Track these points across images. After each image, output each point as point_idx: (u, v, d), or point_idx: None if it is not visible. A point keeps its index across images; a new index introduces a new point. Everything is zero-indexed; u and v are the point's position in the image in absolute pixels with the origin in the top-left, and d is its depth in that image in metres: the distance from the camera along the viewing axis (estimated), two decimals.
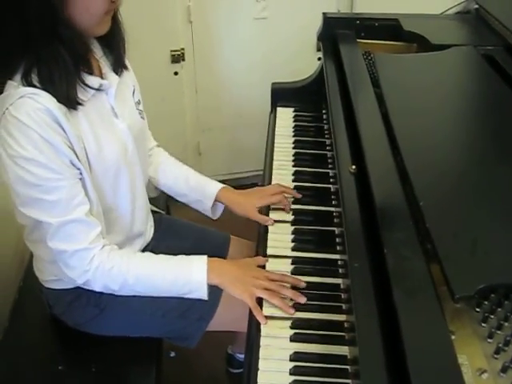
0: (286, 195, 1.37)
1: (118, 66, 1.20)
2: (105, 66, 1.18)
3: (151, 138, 1.48)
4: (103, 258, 1.12)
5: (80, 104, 1.07)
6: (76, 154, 1.06)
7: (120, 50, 1.19)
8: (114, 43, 1.18)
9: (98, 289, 1.16)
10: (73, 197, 1.06)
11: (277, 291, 1.11)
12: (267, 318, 1.07)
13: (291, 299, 1.10)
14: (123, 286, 1.15)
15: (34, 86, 1.01)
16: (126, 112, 1.21)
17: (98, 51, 1.18)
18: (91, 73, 1.11)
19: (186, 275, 1.16)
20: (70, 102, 1.05)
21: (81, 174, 1.08)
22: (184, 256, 1.19)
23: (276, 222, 1.32)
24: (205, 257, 1.18)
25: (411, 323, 0.74)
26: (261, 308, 1.10)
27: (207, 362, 1.95)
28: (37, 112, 0.99)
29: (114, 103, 1.17)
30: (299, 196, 1.39)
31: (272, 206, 1.37)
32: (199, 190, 1.41)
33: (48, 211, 1.06)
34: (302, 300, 1.09)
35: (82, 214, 1.08)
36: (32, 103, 0.99)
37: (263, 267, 1.20)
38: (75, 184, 1.07)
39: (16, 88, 1.01)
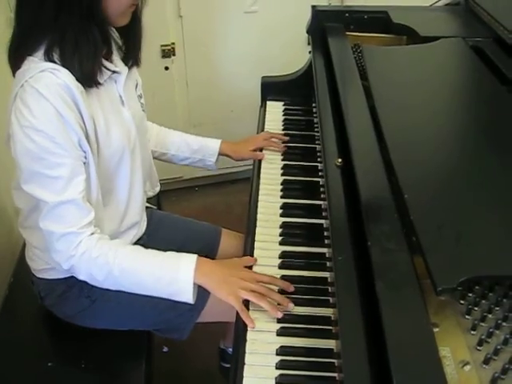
0: (276, 140, 1.60)
1: (130, 60, 1.24)
2: (116, 56, 1.21)
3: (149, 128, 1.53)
4: (90, 245, 1.10)
5: (99, 84, 1.11)
6: (87, 134, 1.08)
7: (136, 44, 1.23)
8: (131, 37, 1.22)
9: (82, 277, 1.14)
10: (73, 176, 1.07)
11: (264, 294, 1.08)
12: (256, 307, 1.06)
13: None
14: (107, 277, 1.12)
15: (55, 63, 1.03)
16: (131, 102, 1.25)
17: (112, 41, 1.20)
18: (107, 58, 1.15)
19: (173, 273, 1.11)
20: (91, 79, 1.09)
21: (85, 158, 1.10)
22: (173, 253, 1.16)
23: (265, 215, 1.33)
24: (194, 256, 1.14)
25: (393, 316, 0.74)
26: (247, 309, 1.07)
27: (200, 356, 1.95)
28: (56, 86, 1.02)
29: (122, 92, 1.20)
30: (287, 139, 1.61)
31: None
32: (202, 150, 1.56)
33: (46, 187, 1.06)
34: (290, 306, 1.06)
35: (78, 196, 1.08)
36: (52, 77, 1.02)
37: (251, 268, 1.17)
38: (78, 165, 1.08)
39: (37, 63, 1.04)
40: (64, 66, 1.04)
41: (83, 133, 1.07)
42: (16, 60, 1.07)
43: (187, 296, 1.12)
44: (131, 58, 1.24)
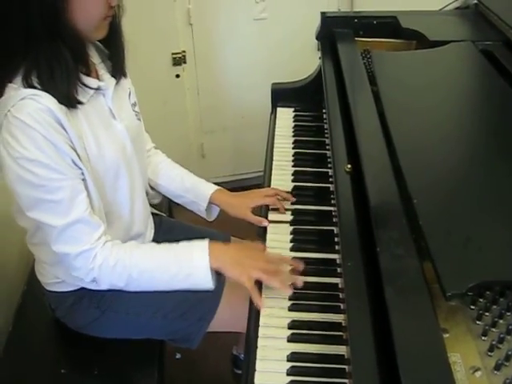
0: (280, 197, 1.38)
1: (117, 72, 1.22)
2: (101, 69, 1.19)
3: (149, 140, 1.49)
4: (106, 255, 1.12)
5: (80, 103, 1.09)
6: (77, 154, 1.07)
7: (119, 56, 1.21)
8: (113, 49, 1.20)
9: (105, 286, 1.17)
10: (74, 196, 1.07)
11: (275, 273, 1.11)
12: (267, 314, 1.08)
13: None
14: (128, 281, 1.15)
15: (35, 88, 1.02)
16: (123, 113, 1.23)
17: (94, 56, 1.19)
18: (89, 74, 1.13)
19: (189, 265, 1.15)
20: (71, 100, 1.06)
21: (83, 174, 1.09)
22: (185, 244, 1.18)
23: (275, 222, 1.32)
24: (205, 243, 1.16)
25: (402, 322, 0.74)
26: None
27: (213, 363, 1.95)
28: (39, 112, 1.00)
29: (111, 105, 1.18)
30: (293, 200, 1.38)
31: (270, 207, 1.37)
32: (194, 191, 1.43)
33: (51, 211, 1.06)
34: (300, 283, 1.10)
35: (84, 213, 1.09)
36: (34, 104, 1.00)
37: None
38: (77, 184, 1.08)
39: (17, 90, 1.02)
40: (44, 89, 1.02)
41: (75, 152, 1.07)
42: None
43: (207, 285, 1.15)
44: (117, 70, 1.22)
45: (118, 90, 1.22)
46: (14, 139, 1.01)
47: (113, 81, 1.20)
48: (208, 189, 1.42)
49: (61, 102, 1.04)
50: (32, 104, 1.00)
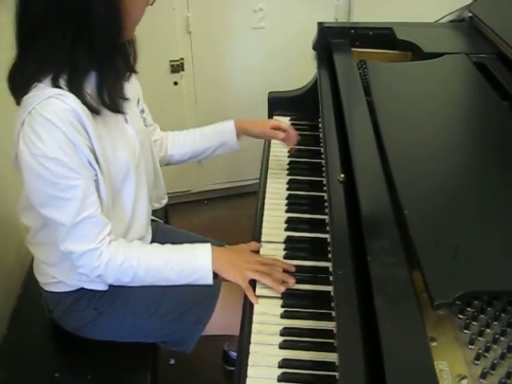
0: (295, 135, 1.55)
1: (128, 69, 1.24)
2: None
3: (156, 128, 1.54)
4: (113, 253, 1.15)
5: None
6: (95, 155, 1.10)
7: (135, 54, 1.23)
8: (132, 47, 1.21)
9: (110, 281, 1.21)
10: (87, 196, 1.09)
11: (268, 273, 1.17)
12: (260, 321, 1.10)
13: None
14: (134, 277, 1.19)
15: (61, 88, 1.04)
16: (134, 119, 1.26)
17: None
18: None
19: (193, 264, 1.20)
20: (114, 106, 1.12)
21: (96, 175, 1.12)
22: (188, 246, 1.24)
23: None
24: (208, 245, 1.23)
25: (390, 330, 0.75)
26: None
27: (207, 368, 1.96)
28: (64, 112, 1.02)
29: (126, 110, 1.21)
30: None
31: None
32: (218, 135, 1.53)
33: (62, 209, 1.08)
34: (292, 282, 1.16)
35: (95, 212, 1.11)
36: (59, 103, 1.03)
37: (257, 252, 1.27)
38: (90, 184, 1.10)
39: (44, 89, 1.04)
40: (71, 91, 1.04)
41: (92, 154, 1.09)
42: (21, 86, 1.06)
43: (208, 282, 1.22)
44: (129, 67, 1.24)
45: (129, 96, 1.24)
46: (36, 136, 1.02)
47: (125, 85, 1.22)
48: (229, 124, 1.53)
49: (86, 104, 1.06)
50: (58, 103, 1.03)
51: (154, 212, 1.54)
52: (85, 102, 1.06)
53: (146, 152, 1.32)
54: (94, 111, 1.09)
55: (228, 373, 1.89)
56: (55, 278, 1.28)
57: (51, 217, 1.10)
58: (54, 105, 1.02)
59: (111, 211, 1.20)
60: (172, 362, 1.94)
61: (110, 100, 1.10)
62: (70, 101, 1.03)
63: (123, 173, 1.20)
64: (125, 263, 1.17)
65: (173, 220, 1.86)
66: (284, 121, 1.77)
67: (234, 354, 1.85)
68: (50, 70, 1.04)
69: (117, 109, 1.13)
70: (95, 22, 1.00)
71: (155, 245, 1.26)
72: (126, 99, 1.19)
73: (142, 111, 1.34)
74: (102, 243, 1.14)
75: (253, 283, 1.19)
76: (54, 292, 1.30)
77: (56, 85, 1.04)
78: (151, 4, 1.10)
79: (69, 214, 1.08)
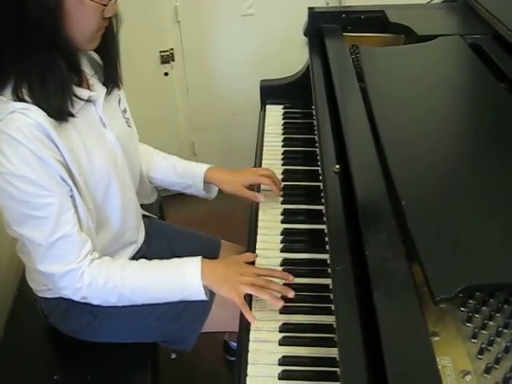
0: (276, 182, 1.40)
1: (109, 82, 1.20)
2: (91, 77, 1.17)
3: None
4: (94, 274, 1.11)
5: (72, 116, 1.06)
6: (69, 168, 1.05)
7: (113, 66, 1.19)
8: (106, 59, 1.18)
9: (96, 302, 1.16)
10: (62, 213, 1.05)
11: (264, 286, 1.10)
12: (258, 317, 1.07)
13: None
14: (120, 298, 1.14)
15: (25, 101, 0.99)
16: (114, 122, 1.21)
17: (86, 66, 1.17)
18: (80, 85, 1.11)
19: (181, 282, 1.14)
20: (63, 113, 1.04)
21: (71, 190, 1.07)
22: (176, 261, 1.17)
23: (265, 221, 1.32)
24: (197, 259, 1.16)
25: (390, 325, 0.74)
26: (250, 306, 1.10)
27: (208, 362, 1.95)
28: (28, 127, 0.98)
29: (102, 114, 1.16)
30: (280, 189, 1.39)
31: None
32: (188, 175, 1.43)
33: (37, 228, 1.05)
34: (291, 294, 1.08)
35: (71, 231, 1.07)
36: (23, 118, 0.98)
37: (252, 263, 1.20)
38: (65, 201, 1.06)
39: (6, 103, 1.00)
40: (34, 103, 0.99)
41: (64, 168, 1.04)
42: None
43: (201, 297, 1.15)
44: (110, 79, 1.20)
45: (109, 98, 1.20)
46: (1, 154, 0.98)
47: (103, 89, 1.18)
48: (201, 169, 1.42)
49: (51, 115, 1.01)
50: (21, 118, 0.98)
51: (149, 207, 1.51)
52: (50, 114, 1.01)
53: (130, 155, 1.26)
54: (62, 119, 1.04)
55: (229, 363, 1.89)
56: (46, 286, 1.25)
57: (27, 236, 1.06)
58: (17, 120, 0.98)
59: (99, 223, 1.16)
60: (173, 356, 1.93)
61: (52, 107, 1.02)
62: (35, 115, 0.98)
63: (104, 182, 1.15)
64: (108, 283, 1.12)
65: (168, 213, 1.83)
66: (276, 116, 1.73)
67: (233, 345, 1.84)
68: (2, 80, 1.00)
69: (62, 118, 1.04)
70: (29, 23, 0.95)
71: (142, 261, 1.20)
72: (90, 101, 1.13)
73: (124, 111, 1.28)
74: (82, 263, 1.09)
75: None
76: (47, 298, 1.28)
77: (18, 98, 0.99)
78: (107, 17, 1.05)
79: (43, 232, 1.05)
